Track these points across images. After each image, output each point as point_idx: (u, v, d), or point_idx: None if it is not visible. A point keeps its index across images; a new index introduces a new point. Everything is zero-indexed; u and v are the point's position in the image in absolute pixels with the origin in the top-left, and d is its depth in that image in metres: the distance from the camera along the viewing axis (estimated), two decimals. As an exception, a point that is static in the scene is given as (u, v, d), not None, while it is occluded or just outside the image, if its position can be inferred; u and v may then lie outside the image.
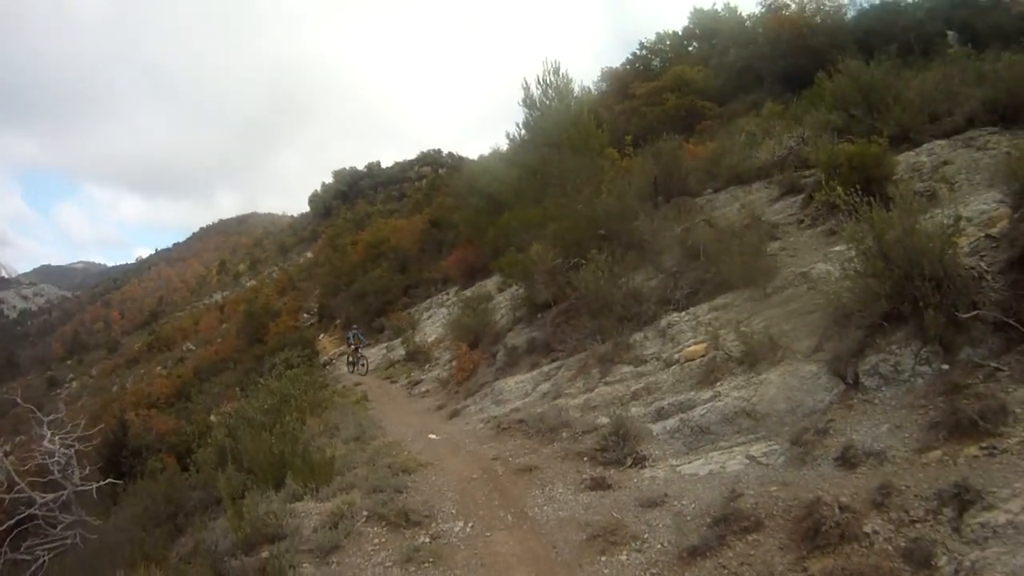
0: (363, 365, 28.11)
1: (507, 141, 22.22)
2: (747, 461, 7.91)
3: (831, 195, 10.87)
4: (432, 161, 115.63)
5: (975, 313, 7.66)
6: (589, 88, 50.24)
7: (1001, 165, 9.28)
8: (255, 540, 8.06)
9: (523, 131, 20.64)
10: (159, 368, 72.59)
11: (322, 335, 45.38)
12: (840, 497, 6.18)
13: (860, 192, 9.09)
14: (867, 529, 5.78)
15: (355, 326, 32.45)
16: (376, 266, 45.51)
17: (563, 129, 18.93)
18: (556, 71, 20.12)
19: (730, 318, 11.48)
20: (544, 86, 20.05)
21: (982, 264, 8.25)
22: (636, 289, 14.24)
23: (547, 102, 19.90)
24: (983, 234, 9.21)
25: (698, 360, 10.70)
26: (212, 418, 22.96)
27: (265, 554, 7.53)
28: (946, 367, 7.68)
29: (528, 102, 20.13)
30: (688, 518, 6.96)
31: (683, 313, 12.71)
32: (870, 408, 7.82)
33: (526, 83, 20.31)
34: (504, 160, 22.88)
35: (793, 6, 42.36)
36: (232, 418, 16.15)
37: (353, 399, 19.73)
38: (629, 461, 8.93)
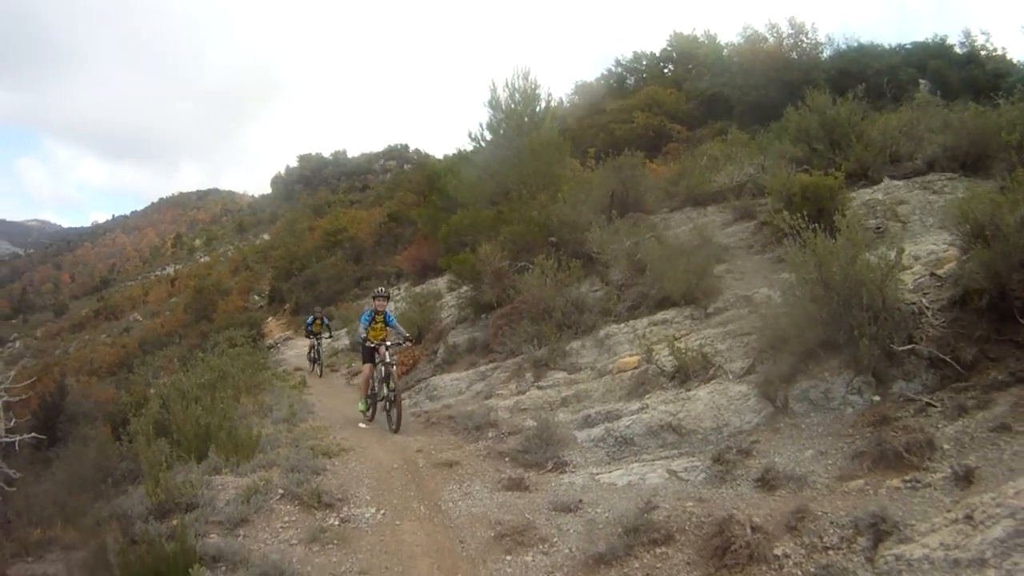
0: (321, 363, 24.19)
1: (469, 141, 22.13)
2: (667, 475, 7.90)
3: (778, 220, 10.99)
4: (398, 155, 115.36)
5: (911, 347, 7.75)
6: (561, 98, 50.57)
7: (953, 207, 9.37)
8: (169, 508, 8.00)
9: (486, 132, 20.57)
10: (104, 336, 71.93)
11: (270, 318, 45.15)
12: (754, 518, 6.14)
13: (810, 221, 9.16)
14: (778, 552, 5.75)
15: (317, 308, 26.61)
16: (331, 254, 45.41)
17: (525, 134, 18.90)
18: (525, 76, 20.10)
19: (668, 333, 11.51)
20: (511, 89, 19.99)
21: (923, 300, 8.33)
22: (579, 298, 14.31)
23: (512, 106, 19.82)
24: (929, 273, 9.32)
25: (630, 372, 10.74)
26: (151, 390, 22.65)
27: (176, 521, 7.43)
28: (877, 398, 7.76)
29: (493, 103, 20.09)
30: (600, 526, 6.91)
31: (622, 325, 12.77)
32: (796, 433, 7.86)
33: (493, 85, 20.25)
34: (465, 160, 22.77)
35: (771, 40, 42.78)
36: (167, 389, 16.03)
37: (291, 383, 19.64)
38: (550, 465, 8.92)
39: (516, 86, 20.10)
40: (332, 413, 14.40)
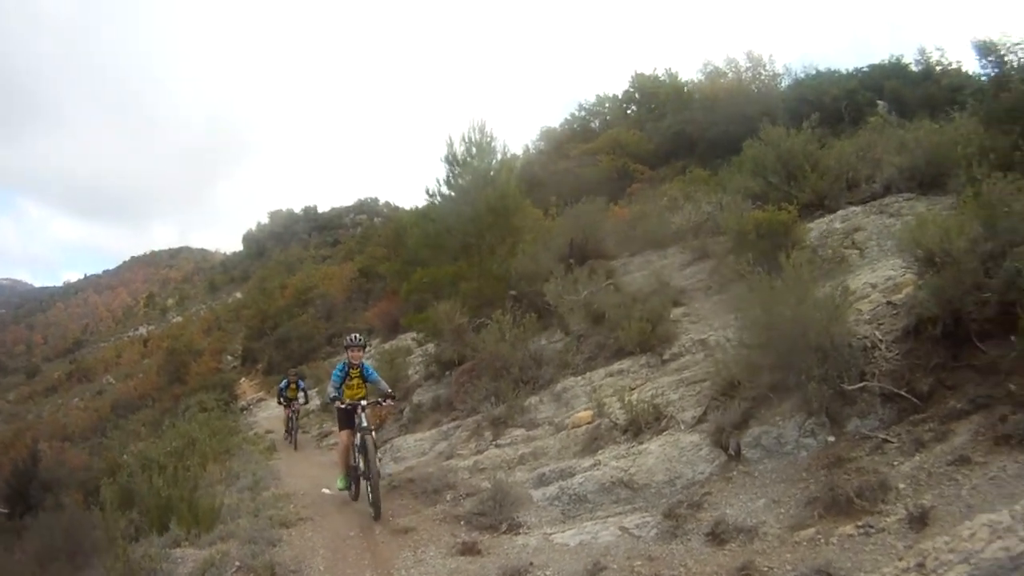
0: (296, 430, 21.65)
1: (427, 197, 22.13)
2: (619, 532, 7.82)
3: (727, 262, 11.06)
4: (368, 209, 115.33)
5: (862, 385, 7.72)
6: (527, 146, 50.80)
7: (906, 232, 9.40)
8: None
9: (443, 187, 20.58)
10: (77, 399, 71.47)
11: (243, 379, 44.98)
12: None
13: (764, 258, 9.20)
14: None
15: (292, 371, 23.76)
16: (303, 312, 45.29)
17: (482, 188, 18.92)
18: (481, 129, 20.08)
19: (623, 384, 11.51)
20: (468, 143, 19.99)
21: (876, 333, 8.35)
22: (537, 352, 14.33)
23: (469, 159, 19.83)
24: (885, 300, 9.33)
25: (584, 427, 10.72)
26: (124, 456, 22.47)
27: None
28: (832, 439, 7.70)
29: (450, 158, 20.05)
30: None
31: (579, 378, 12.77)
32: (749, 481, 7.80)
33: (450, 140, 20.21)
34: (424, 216, 22.76)
35: (730, 74, 43.23)
36: (136, 458, 15.91)
37: (260, 447, 19.52)
38: (504, 527, 8.83)
39: (472, 139, 20.09)
40: (298, 479, 14.22)
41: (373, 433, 11.19)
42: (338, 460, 11.89)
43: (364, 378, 11.80)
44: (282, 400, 22.24)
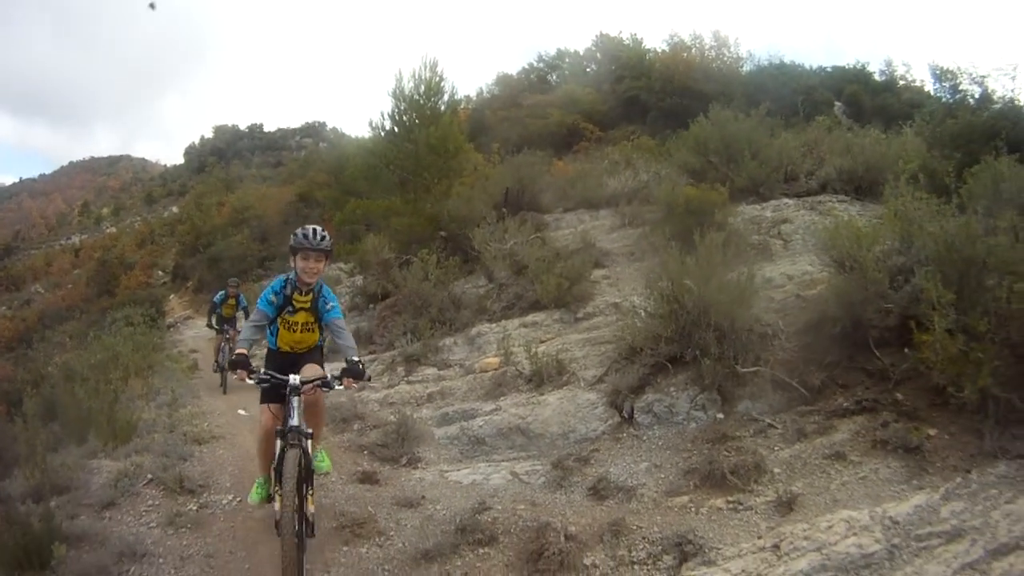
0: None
1: (370, 129, 22.12)
2: (510, 477, 8.20)
3: (647, 233, 11.38)
4: (314, 133, 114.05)
5: (755, 369, 8.11)
6: (480, 91, 50.54)
7: (825, 232, 9.76)
8: (46, 490, 8.07)
9: (387, 122, 20.60)
10: (4, 308, 70.15)
11: (172, 296, 44.60)
12: (569, 526, 6.39)
13: (687, 235, 9.53)
14: (587, 562, 5.98)
15: (233, 281, 18.15)
16: (238, 232, 44.77)
17: (425, 126, 19.01)
18: (432, 67, 20.11)
19: (535, 336, 11.84)
20: (417, 80, 20.03)
21: (780, 323, 8.74)
22: (458, 295, 14.63)
23: (416, 97, 19.88)
24: (796, 293, 9.73)
25: (491, 372, 11.03)
26: (49, 368, 22.36)
27: (53, 503, 7.56)
28: (721, 416, 8.14)
29: (397, 93, 20.05)
30: (435, 522, 7.10)
31: (495, 324, 13.07)
32: (637, 444, 8.22)
33: (400, 74, 20.25)
34: (366, 148, 22.75)
35: (694, 50, 43.31)
36: (60, 370, 15.94)
37: (183, 365, 19.61)
38: (404, 460, 9.16)
39: (422, 77, 20.12)
40: (216, 400, 14.46)
41: (309, 443, 6.46)
42: (256, 450, 7.27)
43: (319, 314, 6.95)
44: (214, 321, 16.78)
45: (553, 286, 12.63)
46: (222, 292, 16.94)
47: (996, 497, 5.62)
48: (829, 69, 38.16)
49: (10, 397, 21.30)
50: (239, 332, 8.84)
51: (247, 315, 11.89)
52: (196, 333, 29.04)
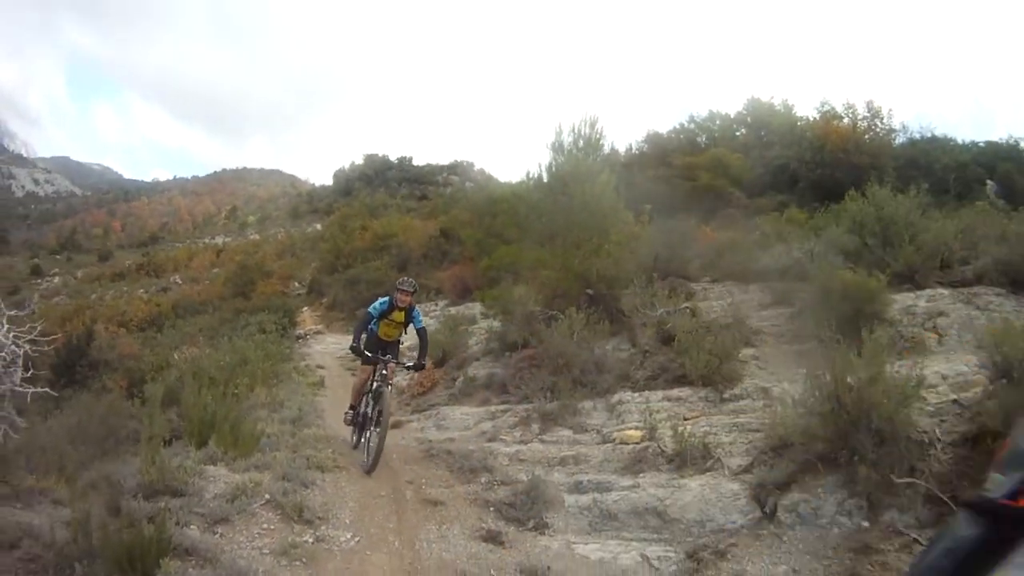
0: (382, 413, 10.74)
1: (525, 178, 22.11)
2: (640, 559, 7.84)
3: (809, 316, 10.97)
4: (461, 172, 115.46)
5: (910, 480, 7.63)
6: (629, 147, 50.45)
7: (988, 331, 9.28)
8: (159, 488, 8.05)
9: (544, 174, 20.54)
10: (142, 291, 72.29)
11: (306, 308, 45.31)
12: None
13: (845, 322, 9.14)
14: None
15: (407, 281, 12.05)
16: (378, 258, 45.19)
17: (582, 182, 18.89)
18: (592, 124, 19.97)
19: (678, 412, 11.46)
20: (576, 135, 19.93)
21: (936, 431, 8.21)
22: (601, 357, 14.22)
23: (575, 152, 19.77)
24: (953, 397, 9.18)
25: (631, 445, 10.66)
26: (175, 356, 22.75)
27: (162, 504, 7.50)
28: (866, 524, 7.60)
29: (556, 146, 19.95)
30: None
31: (637, 394, 12.66)
32: (777, 544, 7.75)
33: (559, 128, 20.15)
34: (519, 196, 22.69)
35: (846, 120, 42.55)
36: (188, 363, 16.13)
37: (309, 381, 19.69)
38: (531, 524, 8.89)
39: (581, 132, 19.98)
40: (339, 422, 13.88)
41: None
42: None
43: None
44: (362, 343, 11.46)
45: (702, 362, 12.21)
46: (385, 299, 11.74)
47: None
48: (982, 144, 37.10)
49: (132, 375, 21.76)
50: (401, 365, 11.89)
51: (423, 337, 12.22)
52: (324, 349, 29.29)
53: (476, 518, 9.08)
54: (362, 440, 11.43)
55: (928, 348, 12.27)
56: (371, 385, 11.34)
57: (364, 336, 11.64)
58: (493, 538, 8.41)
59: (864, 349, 8.47)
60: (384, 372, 11.11)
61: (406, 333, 12.32)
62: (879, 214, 16.49)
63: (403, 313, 11.76)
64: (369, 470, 10.39)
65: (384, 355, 11.42)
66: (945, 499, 7.33)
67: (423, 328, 12.08)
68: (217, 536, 7.31)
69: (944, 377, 10.37)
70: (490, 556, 7.92)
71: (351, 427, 12.30)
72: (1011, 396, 7.52)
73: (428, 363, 13.31)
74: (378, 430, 10.53)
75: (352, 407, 12.24)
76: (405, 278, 12.08)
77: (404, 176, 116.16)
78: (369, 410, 11.25)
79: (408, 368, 11.85)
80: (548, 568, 7.57)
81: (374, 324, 11.84)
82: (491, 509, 9.41)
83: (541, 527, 8.87)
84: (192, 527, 7.30)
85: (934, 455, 7.89)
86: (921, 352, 11.81)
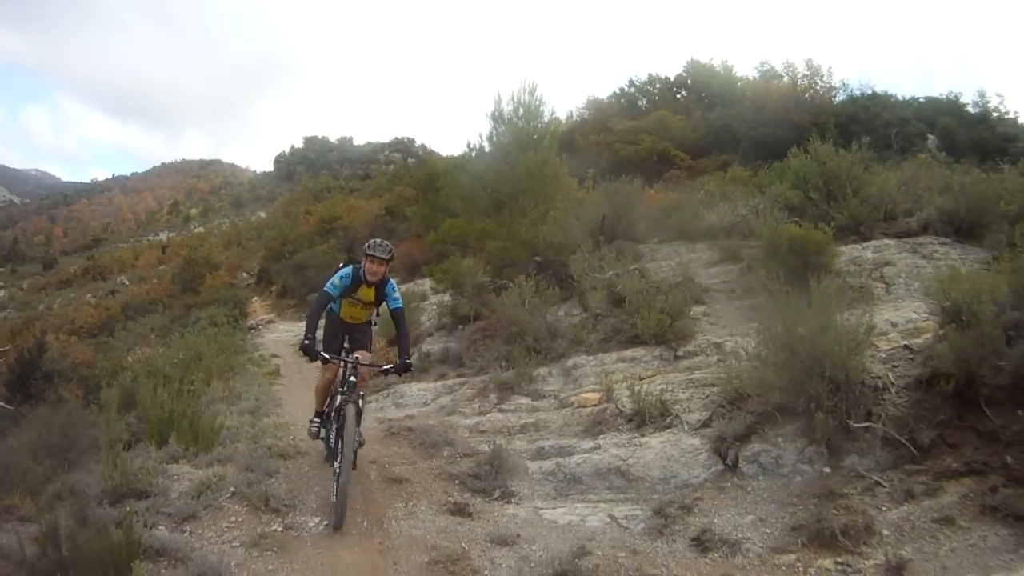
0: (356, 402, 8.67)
1: (467, 149, 22.15)
2: (608, 520, 7.96)
3: (756, 274, 11.08)
4: (403, 149, 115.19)
5: (867, 424, 7.76)
6: (571, 111, 50.52)
7: (936, 278, 9.46)
8: (124, 492, 7.99)
9: (485, 143, 20.55)
10: (90, 296, 71.76)
11: (255, 298, 45.07)
12: None
13: (792, 275, 9.26)
14: None
15: (380, 245, 8.72)
16: (324, 241, 45.02)
17: (523, 150, 18.88)
18: (531, 91, 20.01)
19: (634, 372, 11.54)
20: (516, 103, 19.94)
21: (890, 375, 8.35)
22: (554, 323, 14.30)
23: (515, 120, 19.78)
24: (904, 343, 9.33)
25: (590, 408, 10.74)
26: (128, 358, 22.56)
27: (128, 508, 7.44)
28: (828, 470, 7.78)
29: (496, 115, 20.01)
30: (532, 564, 6.90)
31: (591, 357, 12.75)
32: (741, 495, 7.89)
33: (499, 96, 20.21)
34: (461, 168, 22.69)
35: (786, 78, 42.86)
36: (142, 364, 16.02)
37: (265, 371, 19.59)
38: (497, 493, 8.92)
39: (521, 100, 20.01)
40: (298, 409, 13.79)
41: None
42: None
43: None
44: (317, 340, 8.67)
45: (654, 321, 12.31)
46: (347, 270, 8.84)
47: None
48: (922, 100, 37.61)
49: (87, 383, 21.63)
50: (376, 367, 9.15)
51: (401, 322, 9.01)
52: (277, 337, 29.10)
53: (442, 492, 9.09)
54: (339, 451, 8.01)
55: (876, 297, 12.48)
56: (337, 387, 8.54)
57: (323, 324, 8.91)
58: (460, 510, 8.43)
59: (813, 299, 8.59)
60: (352, 379, 8.29)
61: (378, 314, 9.52)
62: (822, 169, 16.66)
63: (373, 290, 8.80)
64: (336, 525, 7.63)
65: (349, 349, 9.04)
66: (903, 441, 7.48)
67: (401, 309, 9.02)
68: (186, 534, 7.28)
69: (894, 324, 10.65)
70: (459, 528, 7.94)
71: (319, 435, 9.36)
72: (961, 339, 7.63)
73: (381, 344, 10.70)
74: (339, 470, 7.76)
75: (319, 414, 9.30)
76: (376, 240, 8.74)
77: (346, 157, 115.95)
78: (332, 437, 8.66)
79: (387, 372, 8.81)
80: (517, 535, 7.62)
81: (335, 304, 8.98)
82: (456, 482, 9.40)
83: (507, 496, 8.90)
84: (160, 527, 7.26)
85: (889, 399, 8.05)
86: (870, 301, 11.98)
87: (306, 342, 8.29)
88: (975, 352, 7.37)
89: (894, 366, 8.66)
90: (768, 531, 7.13)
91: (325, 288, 8.80)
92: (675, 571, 6.55)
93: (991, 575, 5.66)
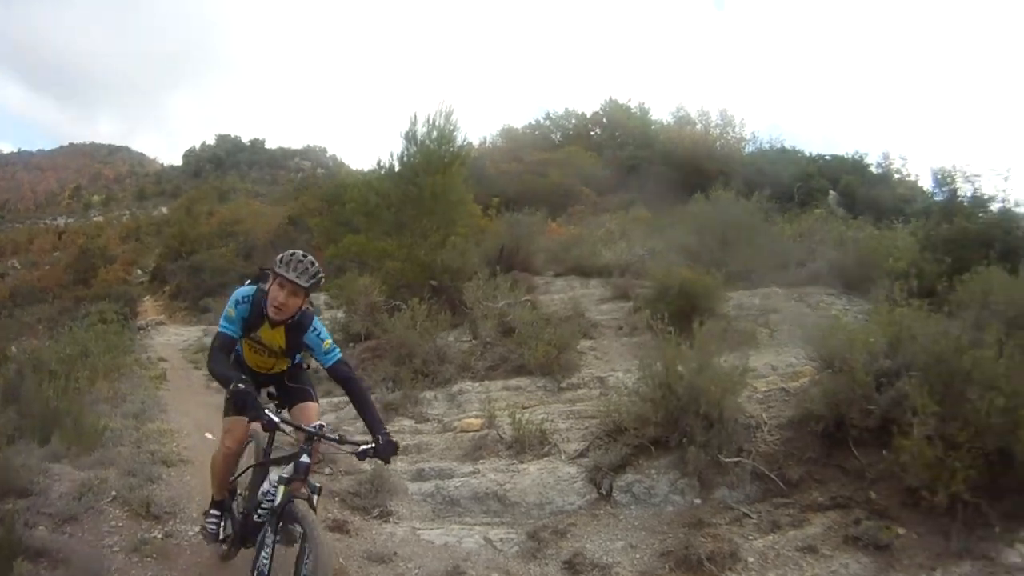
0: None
1: (376, 167, 22.17)
2: (483, 542, 8.14)
3: (644, 315, 11.46)
4: (314, 157, 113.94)
5: (737, 460, 8.23)
6: (483, 140, 50.79)
7: (816, 326, 9.98)
8: (4, 490, 7.89)
9: (395, 163, 20.61)
10: (-23, 278, 69.49)
11: (148, 297, 44.23)
12: None
13: (681, 316, 9.67)
14: None
15: (293, 258, 5.43)
16: (224, 244, 44.43)
17: (432, 172, 19.00)
18: (447, 116, 20.14)
19: (517, 401, 11.80)
20: (430, 126, 20.08)
21: (764, 415, 8.87)
22: (443, 348, 14.48)
23: (428, 143, 19.89)
24: (781, 386, 9.81)
25: (472, 433, 10.96)
26: (13, 348, 21.98)
27: (9, 505, 7.39)
28: (698, 502, 8.23)
29: (409, 136, 20.06)
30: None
31: (477, 384, 12.99)
32: (614, 522, 8.23)
33: (414, 118, 20.28)
34: (369, 185, 22.65)
35: (699, 126, 43.64)
36: (28, 356, 15.74)
37: (151, 374, 19.32)
38: (376, 512, 9.04)
39: (436, 123, 20.10)
40: (182, 417, 13.78)
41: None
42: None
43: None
44: (237, 381, 5.16)
45: (541, 352, 12.61)
46: (247, 289, 5.94)
47: (957, 594, 5.85)
48: (828, 157, 38.46)
49: (-33, 370, 20.99)
50: (338, 444, 5.62)
51: (353, 380, 6.12)
52: (166, 340, 28.49)
53: (322, 508, 9.12)
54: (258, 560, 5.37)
55: (760, 342, 12.99)
56: (268, 492, 5.48)
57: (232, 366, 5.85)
58: (340, 527, 8.52)
59: (694, 341, 8.99)
60: (305, 459, 5.31)
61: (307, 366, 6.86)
62: (721, 216, 17.16)
63: (282, 333, 5.90)
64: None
65: (281, 405, 6.33)
66: (772, 476, 7.99)
67: (340, 365, 5.99)
68: (66, 536, 7.21)
69: (774, 368, 11.18)
70: (337, 545, 7.99)
71: (220, 529, 6.51)
72: (834, 383, 8.13)
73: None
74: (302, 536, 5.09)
75: (216, 503, 6.52)
76: (294, 253, 5.51)
77: (255, 159, 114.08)
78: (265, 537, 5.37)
79: (364, 455, 5.56)
80: (395, 554, 7.77)
81: (239, 345, 5.95)
82: (336, 499, 9.48)
83: (386, 515, 9.02)
84: (40, 528, 7.18)
85: (761, 436, 8.58)
86: (753, 345, 12.43)
87: (240, 387, 5.02)
88: (846, 396, 7.98)
89: (769, 407, 9.22)
90: (638, 556, 7.44)
91: (220, 326, 5.70)
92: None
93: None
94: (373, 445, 5.48)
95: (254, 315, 5.69)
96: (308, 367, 6.82)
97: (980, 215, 13.93)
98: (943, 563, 6.50)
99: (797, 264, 16.89)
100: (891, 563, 6.67)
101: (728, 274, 15.15)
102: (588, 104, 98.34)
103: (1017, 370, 7.15)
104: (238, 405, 5.30)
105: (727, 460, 8.24)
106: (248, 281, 6.10)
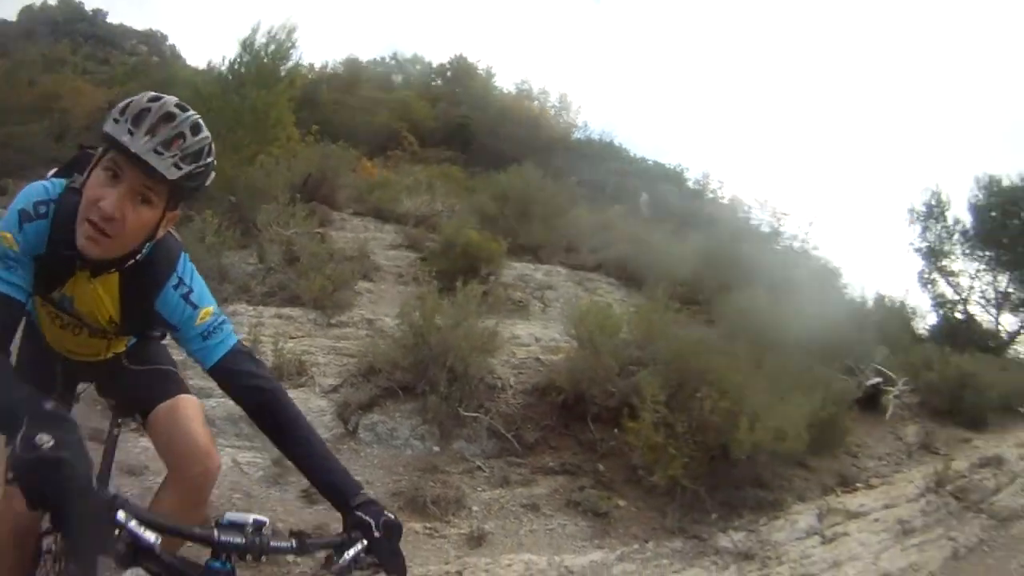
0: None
1: (206, 68, 21.66)
2: (231, 463, 8.35)
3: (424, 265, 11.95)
4: (153, 43, 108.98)
5: (476, 415, 8.97)
6: (325, 64, 50.10)
7: (577, 307, 10.69)
8: None
9: (226, 68, 20.16)
10: None
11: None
12: (279, 524, 6.64)
13: (462, 274, 10.25)
14: (289, 558, 6.38)
15: (147, 112, 2.40)
16: (38, 121, 41.99)
17: (259, 87, 18.73)
18: (290, 32, 19.72)
19: (286, 330, 11.88)
20: (270, 38, 19.62)
21: (512, 379, 9.46)
22: (227, 267, 14.25)
23: (263, 56, 19.51)
24: (539, 356, 10.45)
25: (234, 357, 11.02)
26: None
27: None
28: (437, 449, 8.86)
29: (246, 44, 19.46)
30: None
31: (252, 308, 12.95)
32: (355, 458, 8.59)
33: (257, 26, 20.02)
34: (194, 88, 22.11)
35: (536, 102, 44.40)
36: None
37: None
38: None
39: (276, 37, 19.64)
40: None
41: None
42: None
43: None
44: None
45: (317, 286, 12.76)
46: (47, 186, 2.66)
47: (667, 567, 7.00)
48: (651, 162, 39.63)
49: None
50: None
51: (277, 395, 2.92)
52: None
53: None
54: None
55: (531, 313, 13.67)
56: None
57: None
58: (93, 439, 8.50)
59: (457, 299, 9.51)
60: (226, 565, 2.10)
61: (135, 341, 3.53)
62: (524, 190, 17.70)
63: (114, 287, 2.84)
64: None
65: (119, 414, 3.97)
66: (508, 436, 8.79)
67: (241, 365, 2.97)
68: None
69: (537, 339, 11.85)
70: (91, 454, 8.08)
71: None
72: (582, 361, 8.82)
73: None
74: None
75: None
76: (151, 97, 2.57)
77: (93, 32, 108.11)
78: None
79: (350, 567, 2.43)
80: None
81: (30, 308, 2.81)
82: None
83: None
84: None
85: (504, 398, 9.32)
86: (524, 316, 13.07)
87: (40, 447, 1.78)
88: (590, 375, 8.87)
89: (521, 373, 9.95)
90: (371, 493, 7.84)
91: None
92: (282, 516, 7.19)
93: (561, 555, 6.86)
94: (365, 541, 2.54)
95: (59, 248, 2.57)
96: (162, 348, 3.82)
97: (775, 247, 14.93)
98: (656, 537, 7.37)
99: (589, 250, 17.63)
100: (607, 530, 7.47)
101: (519, 246, 15.71)
102: (438, 54, 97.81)
103: (749, 381, 7.99)
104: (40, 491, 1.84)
105: (466, 414, 8.93)
106: (53, 172, 3.00)
